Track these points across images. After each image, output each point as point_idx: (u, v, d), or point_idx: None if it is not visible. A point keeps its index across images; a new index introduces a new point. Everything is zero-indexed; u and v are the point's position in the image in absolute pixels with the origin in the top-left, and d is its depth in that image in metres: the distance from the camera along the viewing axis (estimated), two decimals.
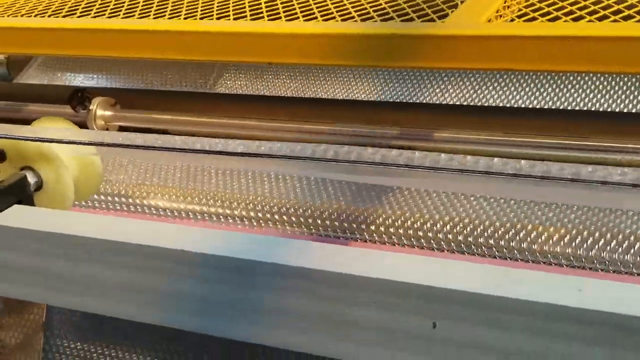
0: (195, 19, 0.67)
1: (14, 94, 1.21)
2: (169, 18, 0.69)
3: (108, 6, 0.81)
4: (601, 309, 0.46)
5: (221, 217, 1.09)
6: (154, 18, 0.70)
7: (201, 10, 0.69)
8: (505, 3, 0.61)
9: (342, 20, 0.60)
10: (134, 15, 0.74)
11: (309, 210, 1.03)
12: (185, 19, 0.68)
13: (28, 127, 0.79)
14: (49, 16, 0.82)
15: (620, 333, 0.46)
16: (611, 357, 0.46)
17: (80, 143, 0.78)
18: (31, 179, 0.76)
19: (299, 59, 0.58)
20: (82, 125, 1.18)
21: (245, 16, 0.65)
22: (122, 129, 1.20)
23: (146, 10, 0.73)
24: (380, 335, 0.52)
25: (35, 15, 0.83)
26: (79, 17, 0.81)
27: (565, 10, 0.58)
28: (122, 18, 0.76)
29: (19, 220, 0.67)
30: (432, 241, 0.95)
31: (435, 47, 0.54)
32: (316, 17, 0.62)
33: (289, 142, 0.65)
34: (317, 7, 0.65)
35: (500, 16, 0.58)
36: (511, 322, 0.49)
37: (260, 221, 1.06)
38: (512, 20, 0.57)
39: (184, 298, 0.60)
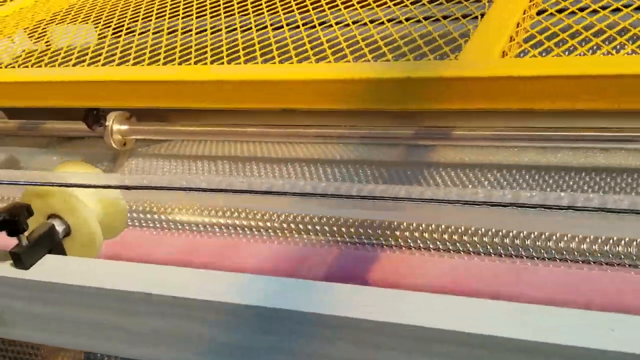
0: (206, 63, 0.67)
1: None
2: (179, 63, 0.69)
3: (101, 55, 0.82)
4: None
5: (247, 229, 1.09)
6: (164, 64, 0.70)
7: (211, 52, 0.69)
8: (516, 28, 0.60)
9: (355, 58, 0.60)
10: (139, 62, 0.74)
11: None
12: (195, 63, 0.68)
13: (52, 174, 0.80)
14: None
15: None
16: None
17: (103, 187, 0.79)
18: (59, 227, 0.77)
19: (312, 104, 0.58)
20: (100, 140, 1.19)
21: (256, 57, 0.65)
22: (139, 141, 1.21)
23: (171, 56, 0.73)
24: None
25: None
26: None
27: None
28: (116, 65, 0.76)
29: (53, 275, 0.69)
30: (457, 244, 0.95)
31: (451, 89, 0.54)
32: (327, 57, 0.62)
33: (310, 182, 0.65)
34: (328, 44, 0.64)
35: (512, 47, 0.58)
36: None
37: (283, 231, 1.07)
38: (525, 51, 0.56)
39: (216, 345, 0.62)
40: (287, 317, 0.58)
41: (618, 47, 0.55)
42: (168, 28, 0.88)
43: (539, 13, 0.64)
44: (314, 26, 0.71)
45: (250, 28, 0.78)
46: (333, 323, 0.55)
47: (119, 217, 0.83)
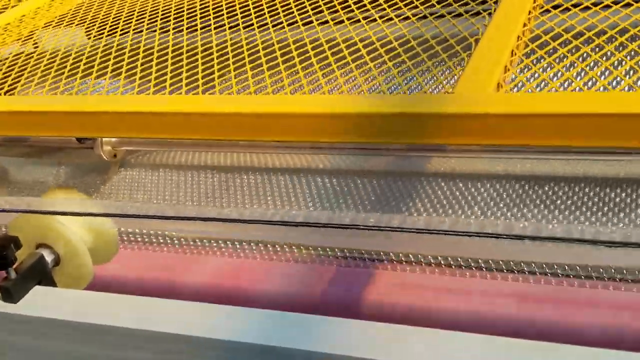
0: (197, 93, 0.66)
1: None
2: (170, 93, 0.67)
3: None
4: None
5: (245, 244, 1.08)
6: (154, 93, 0.69)
7: (203, 81, 0.67)
8: (511, 57, 0.60)
9: (349, 90, 0.59)
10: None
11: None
12: (186, 93, 0.66)
13: (40, 200, 0.79)
14: None
15: None
16: None
17: (92, 214, 0.78)
18: (48, 256, 0.76)
19: (304, 137, 0.57)
20: (90, 152, 1.17)
21: (249, 86, 0.64)
22: (129, 152, 1.20)
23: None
24: None
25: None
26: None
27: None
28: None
29: (43, 310, 0.68)
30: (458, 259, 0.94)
31: (446, 125, 0.53)
32: (321, 87, 0.61)
33: (300, 212, 0.64)
34: (322, 75, 0.63)
35: (507, 78, 0.57)
36: None
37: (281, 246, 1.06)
38: (519, 84, 0.55)
39: None
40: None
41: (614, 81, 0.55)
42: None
43: (532, 40, 0.63)
44: (307, 50, 0.70)
45: (242, 48, 0.76)
46: None
47: (110, 245, 0.82)
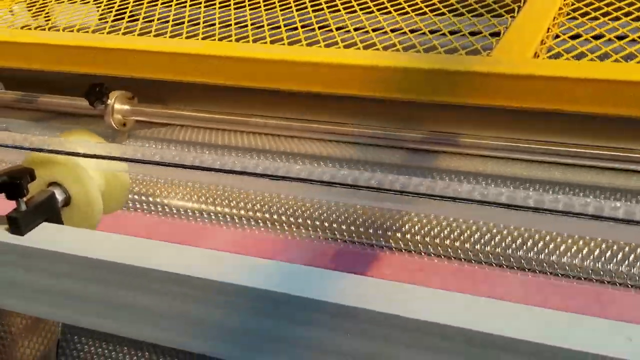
0: (231, 40, 0.65)
1: (29, 82, 1.19)
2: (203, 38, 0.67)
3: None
4: None
5: (245, 219, 1.07)
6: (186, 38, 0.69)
7: (235, 29, 0.67)
8: (547, 33, 0.60)
9: (384, 48, 0.59)
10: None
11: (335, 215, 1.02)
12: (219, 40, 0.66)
13: (56, 140, 0.78)
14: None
15: None
16: None
17: (102, 157, 0.76)
18: (59, 195, 0.75)
19: (341, 89, 0.57)
20: (98, 119, 1.16)
21: (282, 39, 0.64)
22: (139, 123, 1.19)
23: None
24: None
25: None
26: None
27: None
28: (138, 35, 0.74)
29: (49, 243, 0.67)
30: (458, 250, 0.94)
31: (483, 85, 0.53)
32: (356, 43, 0.61)
33: (308, 166, 0.63)
34: (356, 33, 0.63)
35: (544, 49, 0.57)
36: None
37: (286, 225, 1.05)
38: (558, 54, 0.55)
39: (206, 325, 0.60)
40: (288, 302, 0.57)
41: None
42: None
43: (569, 20, 0.63)
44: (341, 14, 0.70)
45: (275, 7, 0.76)
46: (336, 311, 0.53)
47: (121, 190, 0.81)
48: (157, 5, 0.84)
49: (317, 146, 1.11)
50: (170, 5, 0.82)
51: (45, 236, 0.69)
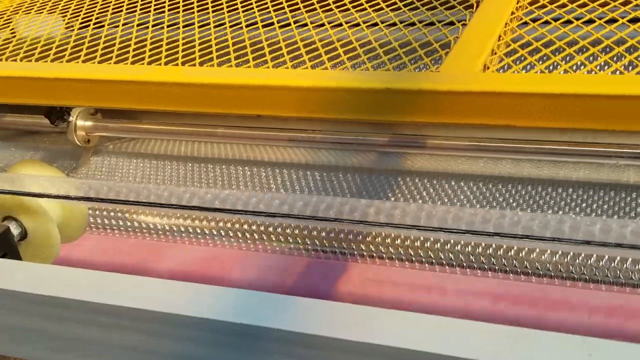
0: (177, 64, 0.64)
1: None
2: (148, 64, 0.66)
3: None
4: None
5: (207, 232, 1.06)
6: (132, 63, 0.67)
7: (182, 54, 0.66)
8: (498, 41, 0.59)
9: (333, 65, 0.58)
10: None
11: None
12: (165, 64, 0.65)
13: (6, 176, 0.76)
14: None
15: None
16: None
17: (60, 197, 0.75)
18: (14, 230, 0.73)
19: (286, 112, 0.56)
20: (63, 136, 1.14)
21: (230, 60, 0.63)
22: (103, 138, 1.17)
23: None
24: None
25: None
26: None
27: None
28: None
29: (4, 281, 0.65)
30: (429, 254, 0.93)
31: (430, 102, 0.52)
32: (304, 62, 0.60)
33: (278, 195, 0.62)
34: (305, 49, 0.62)
35: (494, 60, 0.56)
36: None
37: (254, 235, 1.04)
38: (506, 65, 0.55)
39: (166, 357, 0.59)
40: (257, 334, 0.56)
41: (603, 64, 0.54)
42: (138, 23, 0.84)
43: (520, 26, 0.62)
44: (291, 29, 0.68)
45: (224, 25, 0.75)
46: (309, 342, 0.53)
47: (79, 221, 0.80)
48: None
49: (285, 153, 1.10)
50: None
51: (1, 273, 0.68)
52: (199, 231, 1.06)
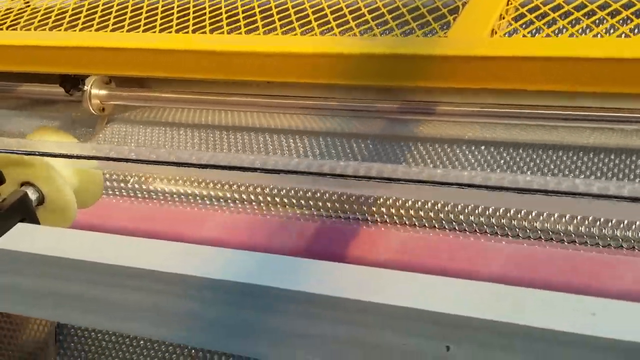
0: (187, 32, 0.65)
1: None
2: (159, 31, 0.66)
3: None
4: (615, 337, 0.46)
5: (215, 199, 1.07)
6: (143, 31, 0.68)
7: (193, 21, 0.66)
8: (506, 6, 0.59)
9: (341, 32, 0.58)
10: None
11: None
12: (176, 32, 0.65)
13: (26, 141, 0.78)
14: None
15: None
16: None
17: (74, 157, 0.77)
18: (32, 195, 0.75)
19: (296, 78, 0.57)
20: (78, 105, 1.16)
21: (240, 27, 0.63)
22: (118, 107, 1.19)
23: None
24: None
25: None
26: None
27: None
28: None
29: (25, 244, 0.67)
30: (433, 221, 0.95)
31: (438, 68, 0.53)
32: (313, 28, 0.60)
33: (283, 158, 0.63)
34: (314, 16, 0.62)
35: (501, 25, 0.56)
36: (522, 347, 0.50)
37: (259, 203, 1.05)
38: (515, 30, 0.55)
39: (186, 318, 0.61)
40: (264, 294, 0.58)
41: (610, 28, 0.54)
42: None
43: None
44: None
45: None
46: (314, 300, 0.54)
47: (94, 187, 0.81)
48: None
49: (297, 120, 1.11)
50: None
51: (20, 237, 0.70)
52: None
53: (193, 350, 1.04)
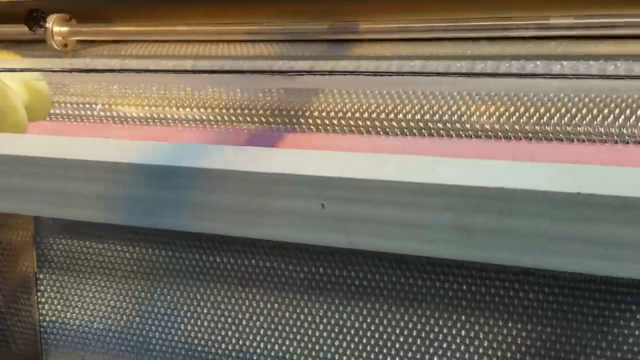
0: None
1: None
2: None
3: None
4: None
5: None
6: None
7: None
8: None
9: None
10: None
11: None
12: None
13: None
14: None
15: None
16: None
17: (27, 70, 0.86)
18: None
19: None
20: (42, 43, 1.25)
21: None
22: (80, 42, 1.27)
23: None
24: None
25: None
26: None
27: None
28: None
29: None
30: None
31: None
32: None
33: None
34: None
35: None
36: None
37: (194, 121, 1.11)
38: None
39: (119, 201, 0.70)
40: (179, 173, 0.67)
41: None
42: None
43: None
44: None
45: None
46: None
47: (44, 103, 0.91)
48: None
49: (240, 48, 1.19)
50: None
51: None
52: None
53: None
